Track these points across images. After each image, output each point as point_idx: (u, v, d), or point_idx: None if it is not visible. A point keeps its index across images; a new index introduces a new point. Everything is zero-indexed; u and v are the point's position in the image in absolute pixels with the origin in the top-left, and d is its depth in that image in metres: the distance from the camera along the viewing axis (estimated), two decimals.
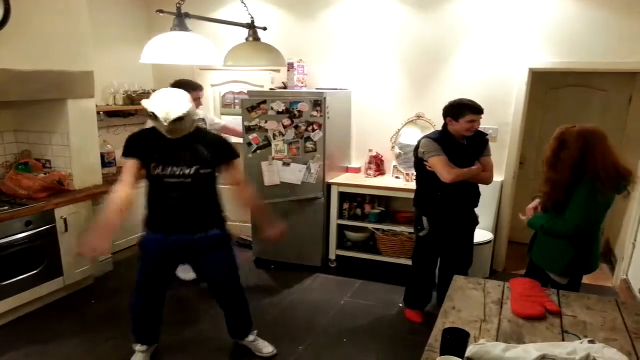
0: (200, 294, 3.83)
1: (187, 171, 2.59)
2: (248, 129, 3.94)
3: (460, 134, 3.17)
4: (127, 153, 2.64)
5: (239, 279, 2.95)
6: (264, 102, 3.97)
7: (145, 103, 2.50)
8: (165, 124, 2.44)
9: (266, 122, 3.99)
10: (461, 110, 3.11)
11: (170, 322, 3.22)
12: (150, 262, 2.74)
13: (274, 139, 4.06)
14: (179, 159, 2.59)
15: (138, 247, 2.78)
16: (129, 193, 2.58)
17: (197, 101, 3.66)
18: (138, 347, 2.94)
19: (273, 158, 4.06)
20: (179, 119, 2.46)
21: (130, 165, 2.61)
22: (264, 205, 2.81)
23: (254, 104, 3.93)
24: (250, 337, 3.08)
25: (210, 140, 2.73)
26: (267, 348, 3.06)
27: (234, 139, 4.07)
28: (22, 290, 3.44)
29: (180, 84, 3.86)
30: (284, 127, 4.06)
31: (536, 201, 2.71)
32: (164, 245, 2.68)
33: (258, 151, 4.00)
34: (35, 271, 3.51)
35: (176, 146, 2.58)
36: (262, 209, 2.94)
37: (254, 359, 3.06)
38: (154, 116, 2.46)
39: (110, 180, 4.25)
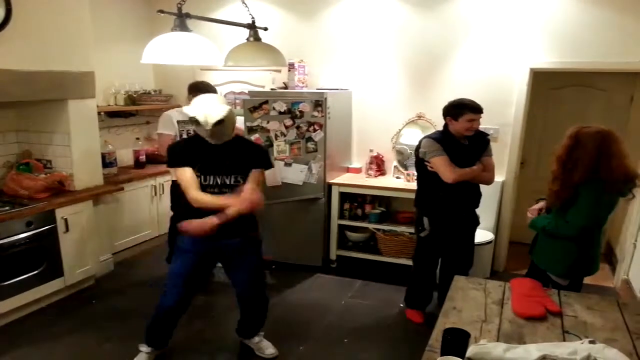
0: (199, 295, 3.83)
1: (227, 181, 2.63)
2: (250, 130, 3.94)
3: (460, 133, 3.17)
4: (177, 162, 2.65)
5: (265, 284, 3.01)
6: (266, 102, 3.97)
7: (186, 109, 2.55)
8: (207, 127, 2.47)
9: (268, 122, 3.99)
10: (461, 109, 3.11)
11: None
12: (188, 263, 2.73)
13: (276, 139, 4.06)
14: (219, 167, 2.62)
15: (176, 249, 2.77)
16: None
17: None
18: (144, 348, 2.92)
19: (275, 159, 4.06)
20: (220, 122, 2.48)
21: (189, 172, 2.59)
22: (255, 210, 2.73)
23: (256, 105, 3.93)
24: (256, 339, 3.09)
25: (248, 147, 2.76)
26: (269, 349, 3.06)
27: None
28: (23, 291, 3.44)
29: (195, 86, 3.87)
30: (286, 127, 4.06)
31: (541, 203, 2.70)
32: (202, 246, 2.69)
33: None
34: (36, 272, 3.52)
35: (217, 154, 2.61)
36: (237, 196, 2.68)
37: (255, 359, 3.06)
38: (195, 121, 2.49)
39: (111, 180, 4.28)
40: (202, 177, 2.61)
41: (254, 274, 2.90)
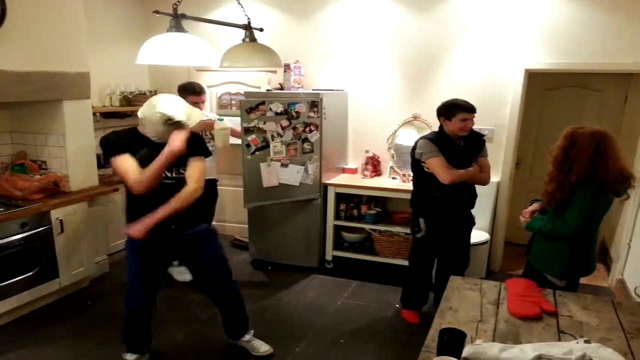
0: (195, 295, 3.83)
1: (169, 174, 2.60)
2: (247, 131, 3.93)
3: (455, 133, 3.18)
4: (116, 150, 2.53)
5: (231, 273, 2.94)
6: (263, 103, 3.97)
7: (162, 108, 2.47)
8: (187, 127, 2.49)
9: (265, 123, 3.99)
10: (453, 109, 3.13)
11: (164, 324, 3.22)
12: (143, 261, 2.70)
13: (273, 140, 4.06)
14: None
15: (126, 250, 2.73)
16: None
17: (197, 105, 3.66)
18: (129, 356, 2.91)
19: (272, 159, 4.06)
20: (181, 124, 2.49)
21: (130, 160, 2.50)
22: (177, 205, 2.62)
23: (252, 105, 3.92)
24: (247, 337, 3.08)
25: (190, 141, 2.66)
26: (263, 347, 3.06)
27: (232, 140, 4.09)
28: (17, 292, 3.42)
29: (183, 87, 3.89)
30: (282, 128, 4.06)
31: (535, 205, 2.71)
32: (152, 245, 2.64)
33: (257, 153, 3.99)
34: (31, 273, 3.50)
35: (157, 148, 2.53)
36: (170, 205, 2.60)
37: (251, 359, 3.05)
38: (169, 120, 2.46)
39: (106, 181, 4.26)
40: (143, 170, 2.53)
41: (213, 267, 2.84)
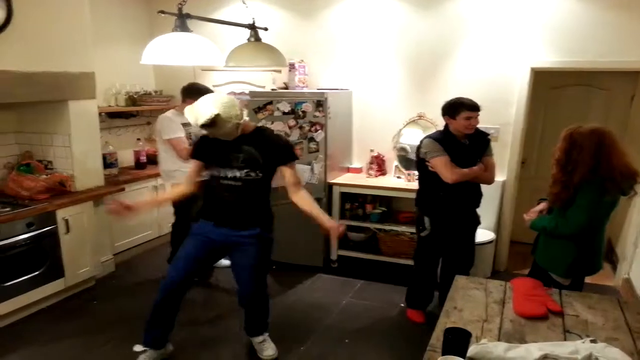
0: (196, 297, 3.84)
1: (238, 174, 2.70)
2: (258, 126, 3.94)
3: (460, 132, 3.17)
4: (193, 155, 2.88)
5: (266, 283, 3.01)
6: (271, 103, 3.97)
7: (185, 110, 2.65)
8: (198, 129, 2.60)
9: (272, 123, 3.99)
10: (457, 108, 3.12)
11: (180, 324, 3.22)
12: (196, 244, 2.82)
13: None
14: (230, 161, 2.69)
15: (190, 232, 2.91)
16: (185, 191, 2.88)
17: None
18: (138, 347, 2.92)
19: None
20: (208, 125, 2.50)
21: (194, 167, 2.85)
22: (317, 207, 2.79)
23: (260, 105, 3.93)
24: (260, 338, 3.08)
25: (266, 141, 2.75)
26: (267, 351, 3.05)
27: None
28: (24, 292, 3.44)
29: (192, 89, 3.87)
30: (289, 127, 4.06)
31: (541, 204, 2.70)
32: (211, 233, 2.80)
33: None
34: (37, 272, 3.52)
35: (229, 148, 2.68)
36: (314, 207, 2.79)
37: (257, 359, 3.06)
38: (190, 122, 2.59)
39: (112, 181, 4.28)
40: (217, 169, 2.73)
41: (254, 272, 2.88)
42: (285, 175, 2.78)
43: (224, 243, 2.83)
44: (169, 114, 3.88)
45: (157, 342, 2.92)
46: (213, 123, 2.49)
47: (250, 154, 2.68)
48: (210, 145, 2.74)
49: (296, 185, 2.80)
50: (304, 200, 2.78)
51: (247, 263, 2.85)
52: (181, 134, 3.77)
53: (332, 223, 2.72)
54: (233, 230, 2.78)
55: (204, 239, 2.82)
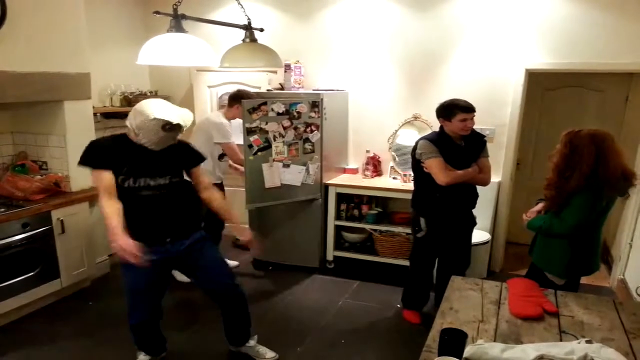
0: (194, 297, 3.82)
1: (162, 182, 2.54)
2: (249, 131, 3.93)
3: (456, 133, 3.17)
4: (97, 164, 2.45)
5: (233, 276, 2.88)
6: (265, 103, 3.97)
7: (155, 113, 2.38)
8: (181, 131, 2.47)
9: (267, 123, 3.99)
10: (452, 110, 3.12)
11: (167, 328, 3.21)
12: (142, 278, 2.55)
13: (274, 140, 4.06)
14: (151, 169, 2.51)
15: (121, 266, 2.53)
16: (118, 204, 2.42)
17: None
18: (142, 356, 2.88)
19: (274, 160, 4.05)
20: (178, 128, 2.46)
21: (108, 178, 2.42)
22: (231, 210, 2.79)
23: (254, 106, 3.92)
24: (251, 343, 3.02)
25: (177, 147, 2.64)
26: (269, 353, 3.01)
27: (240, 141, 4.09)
28: (19, 293, 3.43)
29: (240, 95, 3.96)
30: (284, 128, 4.06)
31: (539, 205, 2.71)
32: (151, 256, 2.42)
33: (259, 153, 3.99)
34: (32, 273, 3.50)
35: (147, 156, 2.49)
36: (229, 215, 2.82)
37: None
38: (164, 124, 2.38)
39: None
40: (132, 179, 2.47)
41: (217, 269, 2.78)
42: (196, 178, 2.74)
43: (168, 260, 2.61)
44: (221, 118, 3.99)
45: (154, 351, 2.91)
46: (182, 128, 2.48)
47: (169, 159, 2.57)
48: (117, 152, 2.47)
49: (209, 187, 2.81)
50: (219, 204, 2.77)
51: (205, 265, 2.73)
52: (232, 137, 3.93)
53: (247, 236, 2.78)
54: (172, 245, 2.59)
55: (143, 271, 2.41)
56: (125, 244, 2.27)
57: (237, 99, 3.94)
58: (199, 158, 2.78)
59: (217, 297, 2.83)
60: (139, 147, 2.48)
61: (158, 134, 2.43)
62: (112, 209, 2.38)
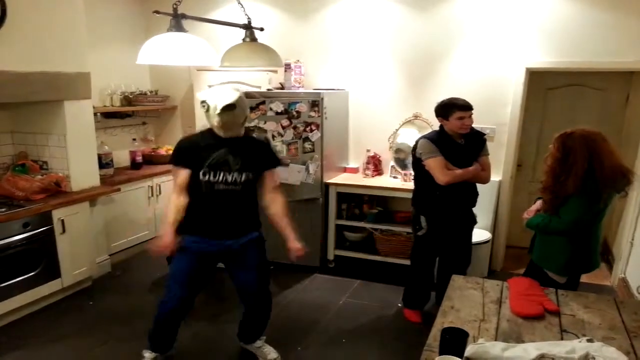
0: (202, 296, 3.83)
1: (238, 179, 2.60)
2: (247, 130, 3.94)
3: (455, 132, 3.17)
4: (178, 162, 2.64)
5: (269, 283, 2.94)
6: (263, 103, 3.97)
7: (198, 94, 2.52)
8: (217, 112, 2.46)
9: (265, 122, 3.99)
10: (449, 108, 3.13)
11: None
12: (191, 264, 2.68)
13: (273, 139, 4.06)
14: (229, 165, 2.59)
15: (178, 249, 2.67)
16: (184, 202, 2.60)
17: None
18: (148, 354, 2.87)
19: None
20: (230, 107, 2.45)
21: (183, 176, 2.60)
22: (289, 218, 2.79)
23: (253, 105, 3.93)
24: (258, 343, 3.05)
25: (257, 145, 2.75)
26: (272, 354, 3.02)
27: None
28: (20, 292, 3.43)
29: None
30: (283, 127, 4.06)
31: (538, 203, 2.71)
32: (207, 247, 2.66)
33: None
34: (33, 273, 3.50)
35: (227, 151, 2.58)
36: (287, 221, 2.82)
37: None
38: (205, 106, 2.49)
39: (107, 181, 4.26)
40: (212, 174, 2.57)
41: (258, 273, 2.83)
42: (267, 179, 2.75)
43: (217, 253, 2.72)
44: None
45: (164, 348, 2.90)
46: (234, 106, 2.46)
47: (248, 157, 2.64)
48: (199, 148, 2.61)
49: (275, 190, 2.80)
50: (278, 210, 2.78)
51: (251, 266, 2.80)
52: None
53: (296, 244, 2.77)
54: (231, 240, 2.69)
55: (193, 256, 2.67)
56: (166, 241, 2.53)
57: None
58: (275, 161, 2.80)
59: (246, 299, 2.88)
60: (223, 141, 2.58)
61: (214, 118, 2.49)
62: (174, 204, 2.59)
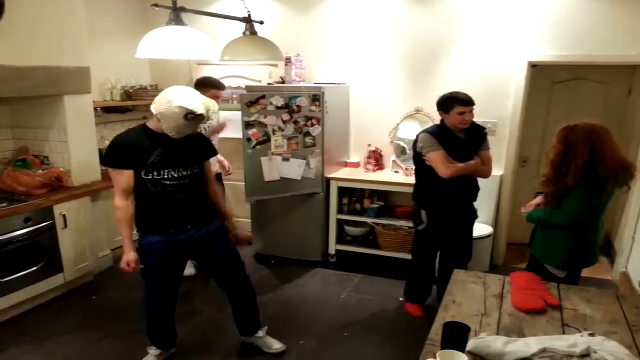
0: (197, 290, 3.84)
1: (184, 172, 2.59)
2: (247, 125, 3.93)
3: (455, 127, 3.16)
4: (119, 163, 2.52)
5: (245, 266, 2.93)
6: (263, 97, 3.96)
7: (177, 100, 2.40)
8: (206, 120, 2.49)
9: (265, 117, 3.98)
10: (450, 103, 3.11)
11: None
12: (159, 264, 2.65)
13: (274, 134, 4.05)
14: (173, 161, 2.56)
15: (141, 252, 2.64)
16: (131, 207, 2.57)
17: (216, 100, 3.51)
18: (152, 350, 2.89)
19: (272, 153, 4.05)
20: (200, 117, 2.47)
21: (127, 177, 2.52)
22: (226, 205, 2.87)
23: (252, 99, 3.91)
24: (260, 333, 3.06)
25: (195, 138, 2.70)
26: (276, 344, 3.04)
27: (230, 134, 4.09)
28: (22, 287, 3.44)
29: (203, 82, 3.85)
30: (283, 122, 4.05)
31: (538, 198, 2.70)
32: (171, 245, 2.62)
33: (258, 146, 3.99)
34: (35, 268, 3.51)
35: (169, 148, 2.54)
36: (224, 209, 2.91)
37: (262, 356, 3.03)
38: (196, 117, 2.43)
39: (108, 176, 4.24)
40: (156, 171, 2.52)
41: (233, 259, 2.84)
42: (206, 170, 2.77)
43: (189, 248, 2.70)
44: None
45: (165, 345, 2.92)
46: (202, 117, 2.49)
47: (191, 150, 2.63)
48: (138, 147, 2.52)
49: (213, 181, 2.86)
50: (220, 200, 2.86)
51: (225, 252, 2.81)
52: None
53: (243, 232, 2.85)
54: (192, 232, 2.66)
55: (165, 257, 2.64)
56: (128, 259, 2.57)
57: (204, 85, 3.81)
58: (211, 151, 2.82)
59: (226, 286, 2.90)
60: (161, 138, 2.52)
61: (179, 121, 2.44)
62: (123, 215, 2.55)
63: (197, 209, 2.69)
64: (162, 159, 2.53)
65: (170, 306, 2.80)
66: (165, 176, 2.55)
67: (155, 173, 2.53)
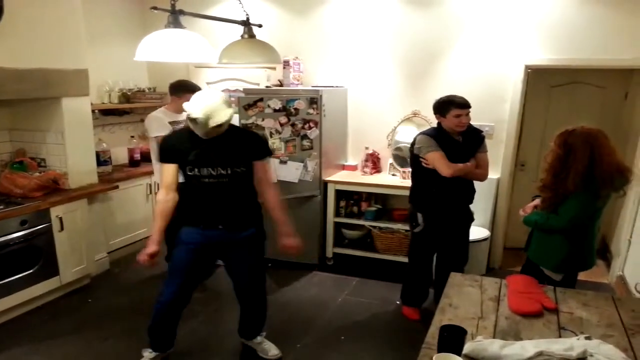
0: (198, 293, 3.83)
1: (223, 171, 2.62)
2: (245, 127, 3.93)
3: (452, 130, 3.17)
4: (164, 158, 2.67)
5: (265, 280, 2.97)
6: (261, 100, 3.96)
7: (186, 106, 2.47)
8: (205, 129, 2.46)
9: (263, 120, 3.99)
10: (447, 106, 3.12)
11: None
12: (182, 253, 2.72)
13: (271, 137, 4.05)
14: (214, 159, 2.60)
15: (176, 243, 2.74)
16: (171, 203, 2.65)
17: None
18: (147, 353, 2.87)
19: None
20: (219, 126, 2.47)
21: (171, 171, 2.65)
22: (285, 212, 2.80)
23: (250, 102, 3.92)
24: (258, 339, 3.06)
25: (244, 137, 2.74)
26: (272, 351, 3.03)
27: None
28: (18, 290, 3.42)
29: (179, 85, 3.87)
30: (281, 125, 4.05)
31: (536, 200, 2.71)
32: (199, 239, 2.69)
33: None
34: (31, 271, 3.50)
35: (211, 146, 2.58)
36: (283, 215, 2.83)
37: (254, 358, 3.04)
38: (193, 120, 2.45)
39: (106, 179, 4.25)
40: (197, 169, 2.60)
41: (253, 269, 2.85)
42: (258, 171, 2.75)
43: (215, 246, 2.75)
44: (158, 112, 3.90)
45: (163, 346, 2.90)
46: (221, 125, 2.47)
47: (233, 150, 2.63)
48: (183, 144, 2.62)
49: (267, 182, 2.80)
50: (277, 205, 2.79)
51: (246, 263, 2.82)
52: (165, 132, 3.63)
53: (288, 240, 2.78)
54: (227, 232, 2.71)
55: (191, 249, 2.71)
56: (148, 251, 2.59)
57: (175, 89, 3.84)
58: (263, 152, 2.77)
59: (238, 295, 2.93)
60: (200, 138, 2.56)
61: (190, 123, 2.51)
62: (161, 206, 2.64)
63: (232, 210, 2.71)
64: (198, 157, 2.59)
65: (182, 301, 2.78)
66: (204, 174, 2.60)
67: (196, 170, 2.61)
